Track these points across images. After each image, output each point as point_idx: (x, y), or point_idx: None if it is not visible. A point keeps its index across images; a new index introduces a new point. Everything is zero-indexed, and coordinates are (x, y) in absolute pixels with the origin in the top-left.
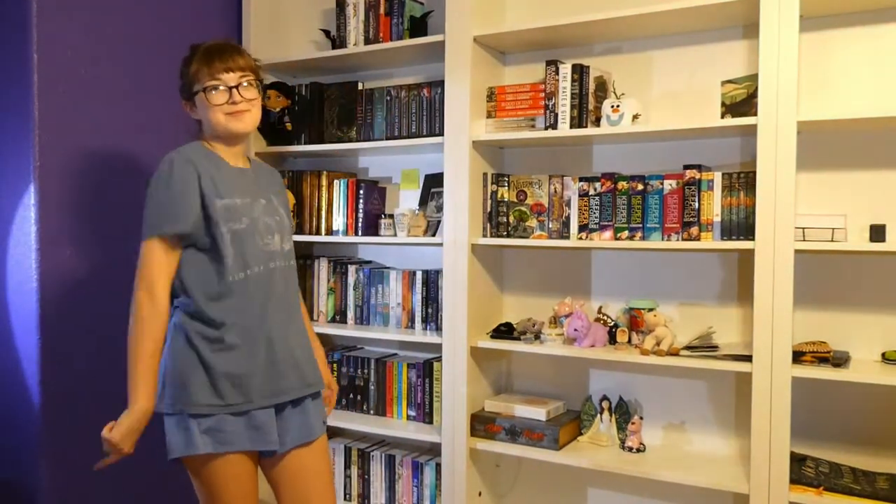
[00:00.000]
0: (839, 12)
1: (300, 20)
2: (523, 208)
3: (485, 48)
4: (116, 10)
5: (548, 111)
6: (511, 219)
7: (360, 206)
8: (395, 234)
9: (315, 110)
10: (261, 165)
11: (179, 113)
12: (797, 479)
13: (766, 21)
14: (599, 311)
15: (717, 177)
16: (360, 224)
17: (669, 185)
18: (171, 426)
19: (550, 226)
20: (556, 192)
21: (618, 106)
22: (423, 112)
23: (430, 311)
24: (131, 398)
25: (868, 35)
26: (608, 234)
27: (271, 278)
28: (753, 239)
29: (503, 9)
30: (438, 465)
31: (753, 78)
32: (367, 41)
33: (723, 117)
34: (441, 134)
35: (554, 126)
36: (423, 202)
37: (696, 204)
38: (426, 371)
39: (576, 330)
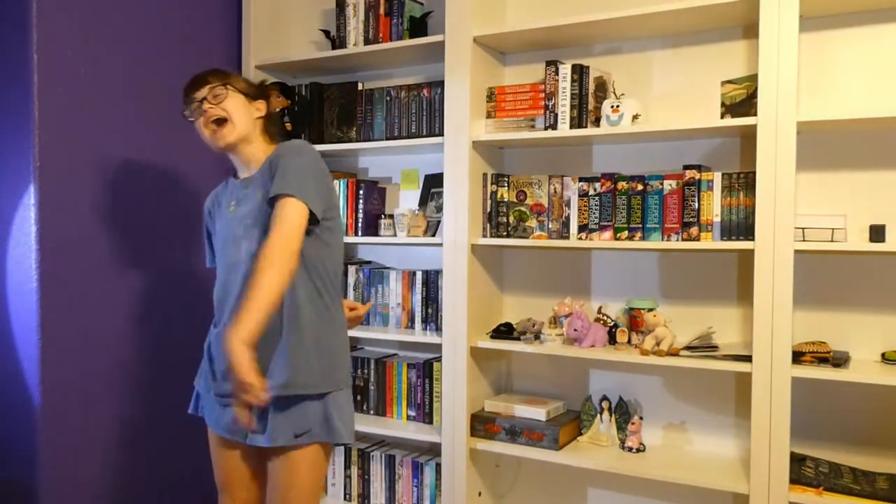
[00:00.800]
0: (839, 12)
1: (300, 20)
2: (523, 208)
3: (485, 48)
4: (116, 10)
5: (548, 111)
6: (511, 219)
7: (360, 206)
8: (395, 235)
9: (315, 110)
10: (276, 156)
11: (178, 112)
12: (797, 479)
13: (766, 21)
14: (599, 311)
15: (717, 177)
16: (359, 224)
17: (669, 185)
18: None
19: (550, 226)
20: (555, 192)
21: (618, 106)
22: (423, 112)
23: (430, 311)
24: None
25: (868, 35)
26: (608, 234)
27: (231, 286)
28: (753, 239)
29: (503, 9)
30: (438, 465)
31: (753, 78)
32: (367, 41)
33: (723, 117)
34: (441, 134)
35: (554, 126)
36: (423, 202)
37: (696, 204)
38: (426, 371)
39: (576, 330)
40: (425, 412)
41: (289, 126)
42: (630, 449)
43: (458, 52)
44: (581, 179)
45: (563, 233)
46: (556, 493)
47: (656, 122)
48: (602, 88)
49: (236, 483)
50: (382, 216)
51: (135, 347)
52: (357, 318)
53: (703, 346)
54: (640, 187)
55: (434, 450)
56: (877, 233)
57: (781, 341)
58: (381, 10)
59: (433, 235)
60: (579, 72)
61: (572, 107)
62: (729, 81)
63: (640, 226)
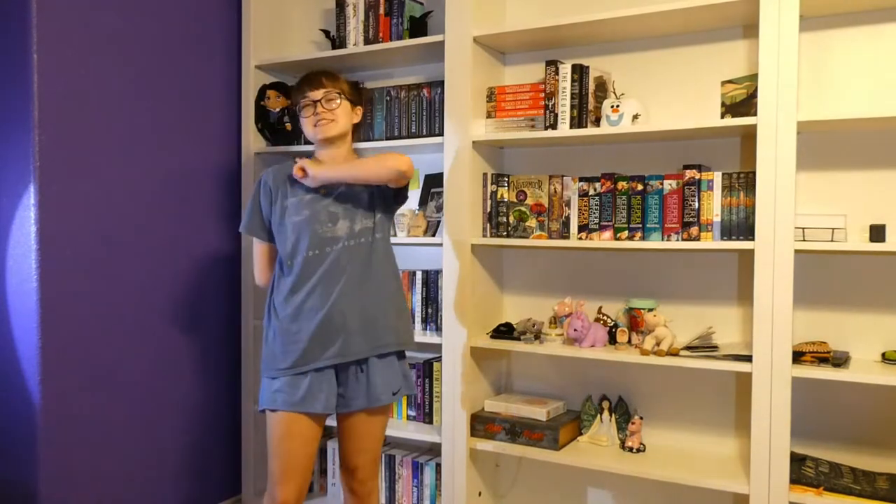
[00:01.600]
0: (839, 12)
1: (300, 20)
2: (523, 208)
3: (485, 48)
4: (116, 10)
5: (548, 111)
6: (511, 219)
7: None
8: (395, 234)
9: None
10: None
11: (179, 113)
12: (797, 479)
13: (766, 21)
14: (599, 311)
15: (717, 177)
16: None
17: (669, 185)
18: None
19: (550, 226)
20: (556, 192)
21: (618, 106)
22: (423, 112)
23: (430, 311)
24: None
25: (868, 35)
26: (608, 234)
27: (334, 256)
28: (753, 239)
29: (503, 9)
30: (438, 465)
31: (753, 78)
32: (367, 41)
33: (723, 117)
34: (441, 134)
35: (554, 126)
36: (423, 202)
37: (696, 204)
38: (426, 371)
39: (576, 330)
40: (425, 412)
41: (289, 126)
42: (630, 449)
43: (458, 52)
44: (581, 179)
45: (563, 233)
46: (556, 493)
47: (656, 122)
48: (602, 88)
49: (303, 466)
50: None
51: (135, 347)
52: None
53: (703, 346)
54: (640, 187)
55: (434, 450)
56: (877, 233)
57: (781, 341)
58: (381, 10)
59: (433, 235)
60: (579, 72)
61: (572, 107)
62: (729, 81)
63: (640, 226)
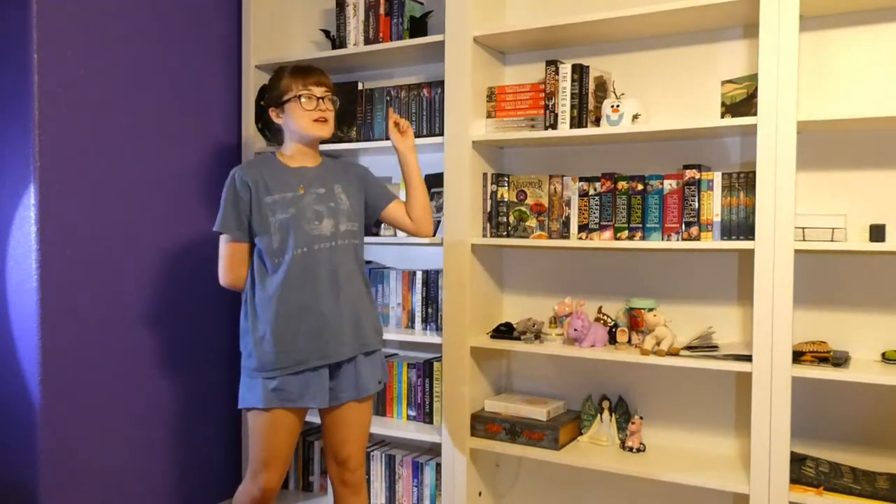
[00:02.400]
0: (839, 12)
1: (300, 20)
2: (523, 208)
3: (485, 48)
4: (116, 10)
5: (548, 111)
6: (511, 219)
7: None
8: (395, 234)
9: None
10: (334, 162)
11: (179, 113)
12: (797, 479)
13: (766, 21)
14: (599, 311)
15: (717, 177)
16: None
17: (669, 185)
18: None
19: (550, 226)
20: (556, 192)
21: (618, 106)
22: (423, 112)
23: (430, 311)
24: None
25: (868, 35)
26: (608, 234)
27: (322, 255)
28: (753, 239)
29: (503, 9)
30: (438, 465)
31: (753, 78)
32: (367, 41)
33: (723, 117)
34: (441, 134)
35: (554, 126)
36: None
37: (696, 204)
38: (426, 371)
39: (576, 330)
40: (425, 412)
41: None
42: (630, 449)
43: (458, 51)
44: (581, 179)
45: (563, 233)
46: (556, 493)
47: (656, 122)
48: (602, 88)
49: (287, 455)
50: None
51: (135, 347)
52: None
53: (703, 346)
54: (640, 187)
55: (434, 450)
56: (877, 232)
57: (781, 341)
58: (381, 10)
59: (433, 235)
60: (579, 71)
61: (572, 107)
62: (729, 81)
63: (640, 226)
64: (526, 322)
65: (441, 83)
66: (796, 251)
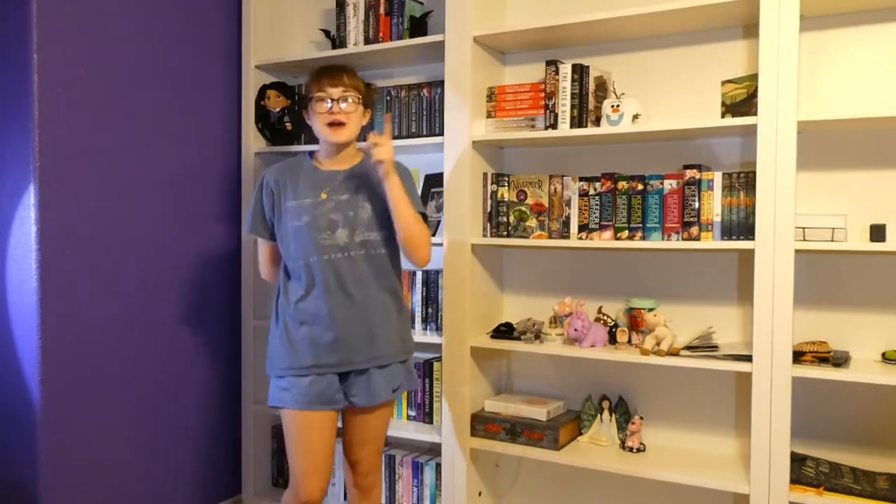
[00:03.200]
0: (839, 12)
1: (300, 20)
2: (523, 208)
3: (485, 48)
4: (116, 10)
5: (548, 111)
6: (511, 219)
7: None
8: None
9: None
10: (369, 164)
11: (179, 113)
12: (797, 479)
13: (766, 21)
14: (599, 311)
15: (717, 177)
16: None
17: (669, 185)
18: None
19: (550, 226)
20: (556, 192)
21: (618, 106)
22: (423, 112)
23: (430, 311)
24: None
25: (868, 35)
26: (608, 234)
27: (336, 265)
28: (753, 239)
29: (503, 9)
30: (438, 465)
31: (753, 78)
32: (367, 41)
33: (723, 117)
34: (441, 134)
35: (554, 126)
36: (424, 202)
37: (696, 204)
38: (426, 371)
39: (576, 330)
40: (425, 412)
41: (289, 126)
42: (630, 449)
43: (458, 51)
44: (581, 179)
45: (564, 233)
46: (556, 493)
47: (656, 122)
48: (602, 88)
49: (323, 460)
50: None
51: (135, 347)
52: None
53: (703, 346)
54: (640, 187)
55: (434, 450)
56: (877, 232)
57: (781, 341)
58: (381, 10)
59: (433, 235)
60: (579, 71)
61: (572, 106)
62: (729, 81)
63: (641, 225)
64: (526, 322)
65: (441, 83)
66: (796, 251)
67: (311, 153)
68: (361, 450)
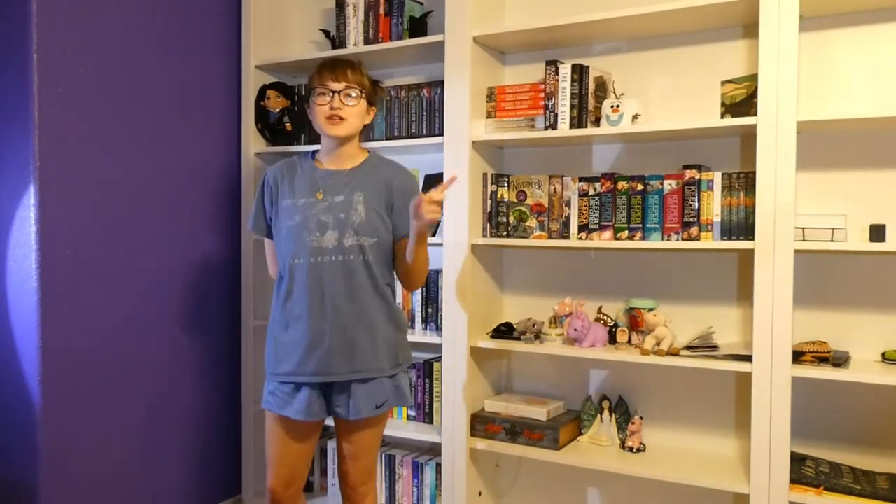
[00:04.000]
0: (839, 12)
1: (300, 20)
2: (523, 208)
3: (485, 48)
4: (116, 10)
5: (548, 111)
6: (511, 219)
7: None
8: None
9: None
10: (377, 165)
11: (179, 113)
12: (797, 479)
13: (766, 21)
14: (599, 311)
15: (717, 177)
16: None
17: (669, 185)
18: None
19: (550, 226)
20: (555, 192)
21: (618, 106)
22: (423, 112)
23: (430, 311)
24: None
25: (868, 35)
26: (608, 234)
27: (321, 269)
28: (753, 239)
29: (503, 9)
30: (438, 465)
31: (753, 78)
32: (367, 41)
33: (723, 117)
34: (441, 134)
35: (554, 126)
36: None
37: (696, 204)
38: (426, 371)
39: (576, 330)
40: (425, 412)
41: (289, 126)
42: (630, 449)
43: (458, 52)
44: (581, 179)
45: (563, 233)
46: (556, 493)
47: (656, 122)
48: (602, 88)
49: (288, 461)
50: None
51: (134, 347)
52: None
53: (703, 346)
54: (640, 187)
55: (434, 450)
56: (877, 233)
57: (781, 341)
58: (381, 10)
59: (433, 235)
60: (579, 72)
61: (572, 107)
62: (729, 81)
63: (640, 226)
64: (526, 322)
65: (441, 83)
66: (796, 251)
67: (314, 152)
68: (349, 463)
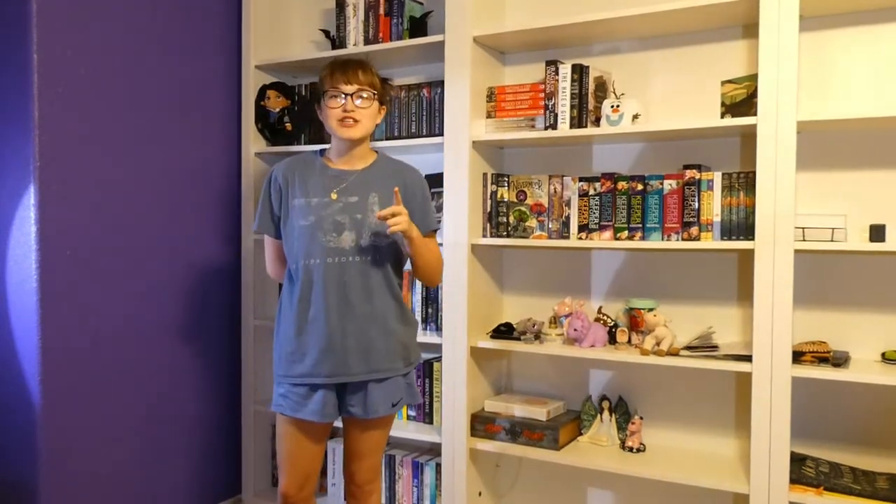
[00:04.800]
0: (839, 12)
1: (300, 20)
2: (523, 208)
3: (485, 48)
4: (116, 10)
5: (548, 111)
6: (511, 219)
7: None
8: None
9: (315, 110)
10: (388, 166)
11: (179, 113)
12: (797, 479)
13: (766, 21)
14: (599, 311)
15: (717, 177)
16: None
17: (669, 185)
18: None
19: (550, 226)
20: (555, 192)
21: (618, 106)
22: (422, 112)
23: (430, 311)
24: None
25: (868, 35)
26: (608, 234)
27: (339, 269)
28: (753, 239)
29: (503, 9)
30: (438, 465)
31: (753, 78)
32: (367, 41)
33: (723, 117)
34: (441, 134)
35: (554, 126)
36: None
37: (696, 204)
38: (426, 371)
39: (576, 330)
40: (425, 412)
41: (289, 126)
42: (630, 449)
43: (458, 52)
44: (581, 179)
45: (563, 233)
46: (556, 493)
47: (656, 122)
48: (602, 88)
49: (302, 464)
50: None
51: (134, 347)
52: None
53: (703, 346)
54: (640, 187)
55: (434, 450)
56: (877, 233)
57: (781, 341)
58: (381, 10)
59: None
60: (579, 72)
61: (572, 107)
62: (729, 81)
63: (640, 226)
64: (526, 322)
65: (441, 83)
66: (796, 251)
67: (322, 151)
68: (357, 463)
